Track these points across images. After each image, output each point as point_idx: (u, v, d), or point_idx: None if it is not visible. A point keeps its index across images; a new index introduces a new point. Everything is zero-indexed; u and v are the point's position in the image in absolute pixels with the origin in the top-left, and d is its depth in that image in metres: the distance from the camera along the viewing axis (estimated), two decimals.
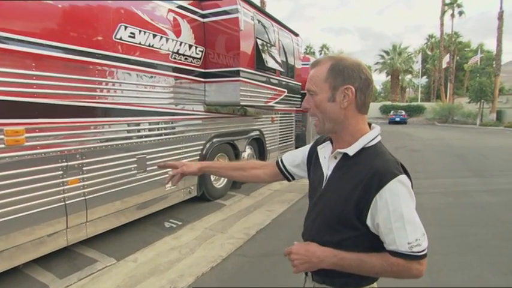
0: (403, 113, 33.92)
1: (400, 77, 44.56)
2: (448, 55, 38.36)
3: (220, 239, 4.22)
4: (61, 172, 3.11)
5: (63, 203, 3.16)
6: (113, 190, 3.67)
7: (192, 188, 5.10)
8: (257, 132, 7.04)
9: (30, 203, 2.89)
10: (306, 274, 1.25)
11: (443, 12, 39.52)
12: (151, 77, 4.14)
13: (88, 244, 3.76)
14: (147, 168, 4.12)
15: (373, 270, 1.04)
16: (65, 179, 3.14)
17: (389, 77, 47.23)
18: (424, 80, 49.56)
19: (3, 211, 2.71)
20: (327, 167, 1.17)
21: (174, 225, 4.64)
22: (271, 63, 5.85)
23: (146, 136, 4.11)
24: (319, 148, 1.26)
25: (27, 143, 2.83)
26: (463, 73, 43.39)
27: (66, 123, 3.12)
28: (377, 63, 46.45)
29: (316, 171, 1.24)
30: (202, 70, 5.09)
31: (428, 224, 4.95)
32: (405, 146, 14.29)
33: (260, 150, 7.41)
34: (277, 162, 1.50)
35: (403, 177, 1.01)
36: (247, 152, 6.84)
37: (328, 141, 1.23)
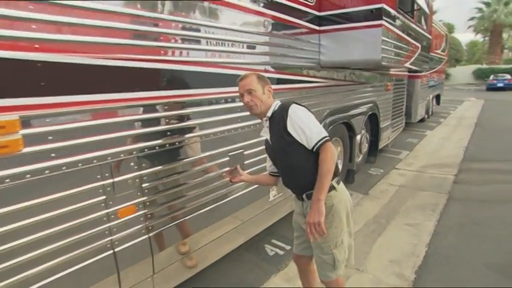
0: (508, 77, 28.10)
1: (504, 34, 36.98)
2: None
3: (359, 282, 2.59)
4: (102, 197, 1.64)
5: (111, 251, 1.72)
6: (194, 214, 2.17)
7: None
8: (372, 106, 5.11)
9: (51, 262, 1.48)
10: (302, 199, 1.82)
11: None
12: (239, 22, 2.46)
13: None
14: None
15: (327, 174, 1.59)
16: (110, 209, 1.68)
17: (478, 35, 39.92)
18: None
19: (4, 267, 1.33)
20: (268, 136, 1.82)
21: (280, 251, 3.08)
22: (413, 3, 3.79)
23: (240, 120, 2.50)
24: (261, 133, 1.88)
25: (26, 149, 1.37)
26: None
27: (99, 103, 1.60)
28: (472, 18, 39.38)
29: (267, 146, 1.90)
30: (317, 13, 3.28)
31: None
32: None
33: (372, 130, 5.50)
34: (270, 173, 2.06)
35: (294, 104, 1.69)
36: (361, 133, 4.97)
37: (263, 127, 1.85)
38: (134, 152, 1.74)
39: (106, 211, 1.66)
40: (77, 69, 1.47)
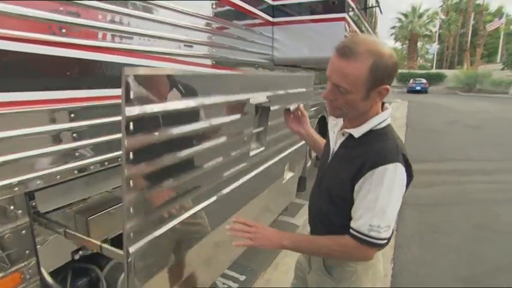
0: (424, 81, 31.19)
1: (418, 43, 41.09)
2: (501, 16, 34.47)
3: None
4: None
5: None
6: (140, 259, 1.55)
7: None
8: (320, 108, 4.85)
9: None
10: None
11: None
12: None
13: None
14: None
15: (321, 250, 1.13)
16: None
17: (397, 43, 44.40)
18: (435, 46, 45.98)
19: None
20: (334, 142, 1.19)
21: (233, 284, 2.57)
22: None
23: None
24: (331, 121, 1.26)
25: None
26: (477, 38, 39.72)
27: None
28: (393, 27, 42.94)
29: (327, 144, 1.27)
30: (270, 1, 2.82)
31: None
32: (456, 121, 12.02)
33: (320, 133, 5.23)
34: None
35: (395, 165, 1.00)
36: None
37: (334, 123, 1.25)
38: (16, 189, 1.08)
39: None
40: None
